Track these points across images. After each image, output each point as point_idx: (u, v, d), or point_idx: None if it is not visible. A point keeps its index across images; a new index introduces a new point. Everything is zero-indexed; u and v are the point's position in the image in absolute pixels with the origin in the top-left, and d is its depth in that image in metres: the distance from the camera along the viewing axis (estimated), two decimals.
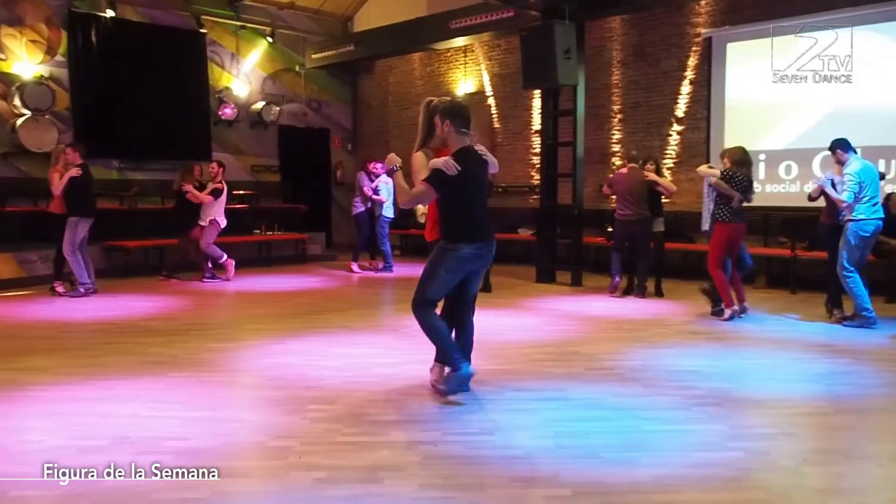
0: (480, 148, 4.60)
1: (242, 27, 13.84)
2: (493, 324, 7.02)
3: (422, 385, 4.78)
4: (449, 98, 4.42)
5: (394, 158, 4.56)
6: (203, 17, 13.26)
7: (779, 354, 5.83)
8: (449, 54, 13.77)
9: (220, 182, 10.25)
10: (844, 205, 6.72)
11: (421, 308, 4.41)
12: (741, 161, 7.18)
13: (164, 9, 12.90)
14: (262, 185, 14.09)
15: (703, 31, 10.42)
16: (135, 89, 12.35)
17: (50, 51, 11.75)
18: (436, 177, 4.26)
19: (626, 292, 8.75)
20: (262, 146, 14.34)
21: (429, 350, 5.63)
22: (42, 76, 11.53)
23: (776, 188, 9.96)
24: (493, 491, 3.14)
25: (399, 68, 14.73)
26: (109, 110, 12.13)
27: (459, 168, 4.24)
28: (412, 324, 4.60)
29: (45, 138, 11.03)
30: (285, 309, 8.04)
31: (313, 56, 14.01)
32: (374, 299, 9.29)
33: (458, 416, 4.17)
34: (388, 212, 10.98)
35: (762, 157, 9.89)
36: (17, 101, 11.12)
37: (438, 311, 4.57)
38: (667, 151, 10.89)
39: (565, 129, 9.91)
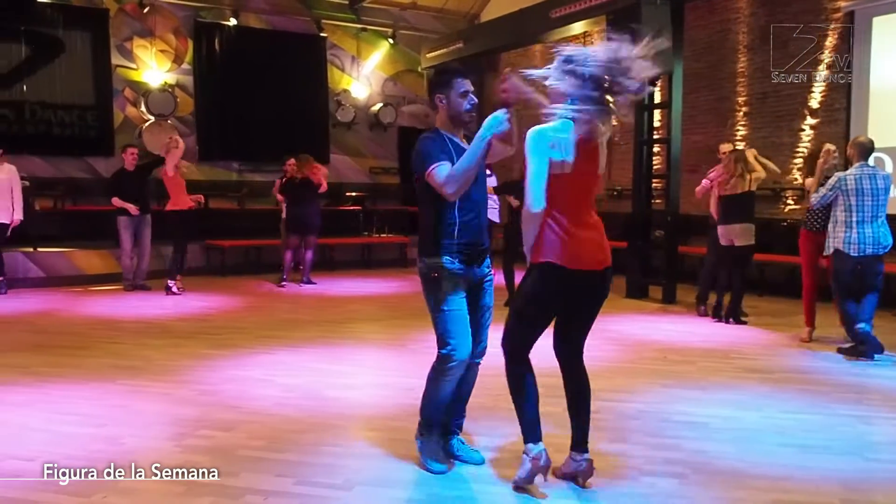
0: None
1: (363, 30, 13.85)
2: None
3: (345, 416, 4.22)
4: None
5: None
6: (323, 21, 13.43)
7: (834, 409, 4.48)
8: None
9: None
10: None
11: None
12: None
13: (285, 15, 13.19)
14: (379, 187, 14.02)
15: (843, 4, 8.68)
16: (256, 94, 12.76)
17: (177, 59, 12.44)
18: None
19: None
20: (382, 148, 14.26)
21: (404, 375, 5.07)
22: (168, 83, 12.22)
23: None
24: None
25: (521, 65, 13.95)
26: (231, 114, 12.64)
27: None
28: (425, 339, 4.07)
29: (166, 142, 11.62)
30: (329, 315, 7.71)
31: (427, 55, 13.67)
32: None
33: (338, 462, 3.53)
34: None
35: None
36: (143, 108, 11.89)
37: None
38: (798, 149, 9.22)
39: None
